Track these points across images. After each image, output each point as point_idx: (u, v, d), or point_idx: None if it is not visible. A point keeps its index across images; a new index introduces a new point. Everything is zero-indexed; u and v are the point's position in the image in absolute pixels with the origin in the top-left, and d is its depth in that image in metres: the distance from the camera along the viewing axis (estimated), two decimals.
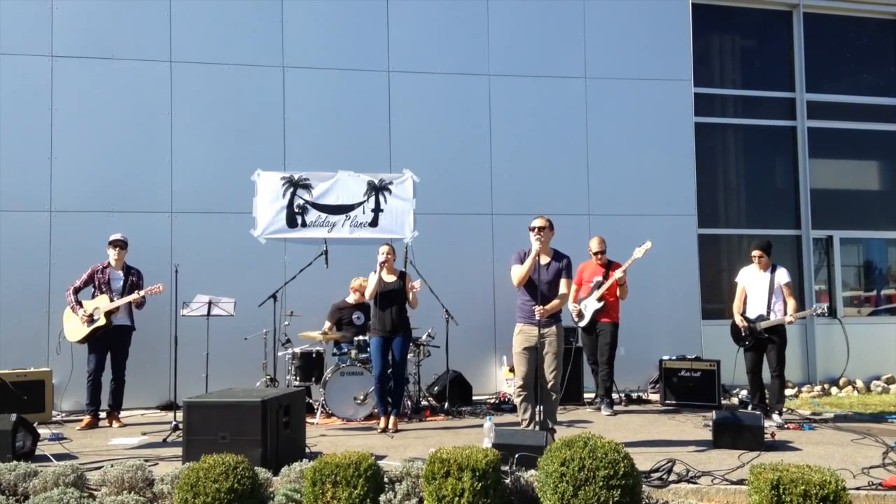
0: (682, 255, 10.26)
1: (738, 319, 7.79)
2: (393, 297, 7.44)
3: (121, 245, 8.00)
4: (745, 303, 7.93)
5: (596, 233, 8.98)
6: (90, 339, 7.81)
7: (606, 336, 8.48)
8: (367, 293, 7.54)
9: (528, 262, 6.22)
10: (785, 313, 7.64)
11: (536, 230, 6.26)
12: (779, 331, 7.67)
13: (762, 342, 7.73)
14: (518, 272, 6.29)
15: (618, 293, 8.47)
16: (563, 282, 6.32)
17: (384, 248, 7.51)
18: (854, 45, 12.01)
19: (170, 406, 8.09)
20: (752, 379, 7.87)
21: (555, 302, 6.24)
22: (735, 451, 6.07)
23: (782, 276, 7.74)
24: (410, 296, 7.52)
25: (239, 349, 8.61)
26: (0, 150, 8.98)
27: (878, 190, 12.11)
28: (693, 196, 10.44)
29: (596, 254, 8.59)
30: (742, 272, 8.09)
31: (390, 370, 7.50)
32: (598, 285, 8.46)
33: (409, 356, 8.41)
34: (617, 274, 8.31)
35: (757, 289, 7.83)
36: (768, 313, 7.68)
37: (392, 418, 7.40)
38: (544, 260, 6.32)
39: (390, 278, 7.51)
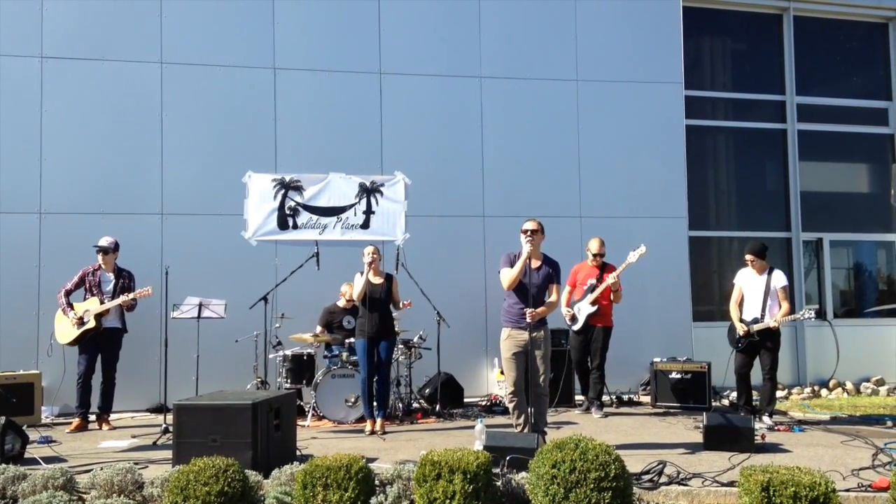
0: (672, 258, 10.28)
1: (740, 327, 7.73)
2: (379, 300, 7.44)
3: (103, 251, 7.94)
4: (742, 305, 7.94)
5: (588, 235, 8.96)
6: (80, 342, 7.78)
7: (599, 340, 8.47)
8: (355, 295, 7.54)
9: (519, 264, 6.18)
10: None
11: (529, 233, 6.22)
12: (772, 334, 7.67)
13: (755, 345, 7.73)
14: (508, 275, 6.25)
15: (612, 297, 8.47)
16: (553, 287, 6.31)
17: (369, 250, 7.51)
18: (844, 48, 12.07)
19: (160, 409, 8.06)
20: (739, 380, 7.87)
21: (544, 307, 6.23)
22: (726, 452, 6.09)
23: (778, 279, 7.74)
24: (393, 293, 7.53)
25: (229, 351, 8.60)
26: None
27: (867, 192, 12.15)
28: (684, 198, 10.47)
29: (595, 255, 8.57)
30: (740, 274, 8.06)
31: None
32: (592, 288, 8.44)
33: (401, 358, 8.42)
34: (609, 279, 8.28)
35: (753, 291, 7.82)
36: (762, 316, 7.68)
37: (379, 420, 7.40)
38: (534, 263, 6.27)
39: (377, 280, 7.51)
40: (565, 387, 8.86)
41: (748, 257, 7.86)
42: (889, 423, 7.90)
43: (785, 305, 7.62)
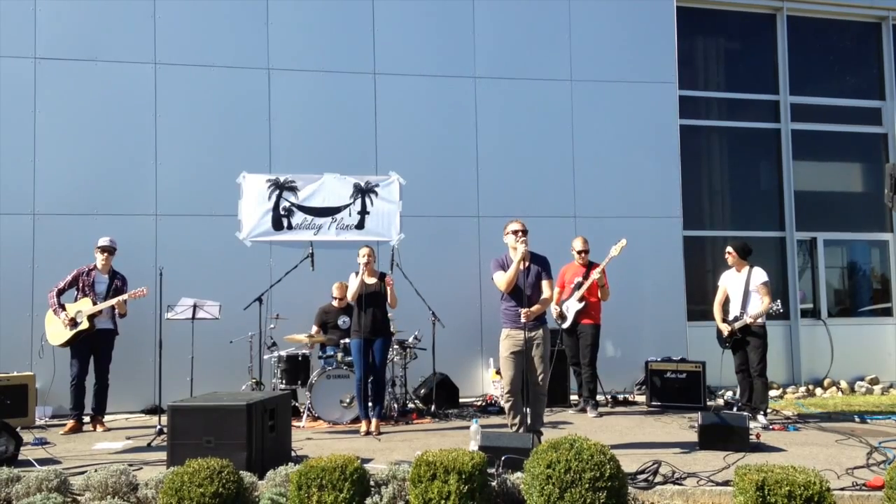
0: (667, 257, 10.30)
1: (723, 327, 7.84)
2: (373, 299, 7.45)
3: (109, 251, 7.95)
4: (726, 304, 8.00)
5: (582, 234, 8.95)
6: (73, 343, 7.76)
7: (587, 338, 8.48)
8: (350, 295, 7.53)
9: (514, 266, 6.17)
10: None
11: (521, 233, 6.23)
12: (754, 331, 7.72)
13: (741, 342, 7.79)
14: (504, 278, 6.23)
15: (599, 294, 8.48)
16: (544, 283, 6.31)
17: (364, 251, 7.50)
18: (837, 47, 12.11)
19: (154, 410, 8.02)
20: (740, 379, 7.94)
21: (539, 305, 6.22)
22: (720, 452, 6.09)
23: (757, 276, 7.80)
24: (389, 294, 7.51)
25: (224, 352, 8.60)
26: None
27: (861, 192, 12.20)
28: (678, 198, 10.48)
29: (580, 252, 8.58)
30: (724, 275, 8.17)
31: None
32: (579, 286, 8.47)
33: (396, 359, 8.42)
34: (595, 274, 8.31)
35: (734, 290, 7.93)
36: (742, 314, 7.75)
37: (374, 420, 7.40)
38: (525, 262, 6.26)
39: (371, 280, 7.52)
40: (560, 387, 8.85)
41: (727, 249, 8.00)
42: (857, 420, 7.99)
43: (766, 301, 7.67)
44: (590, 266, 8.53)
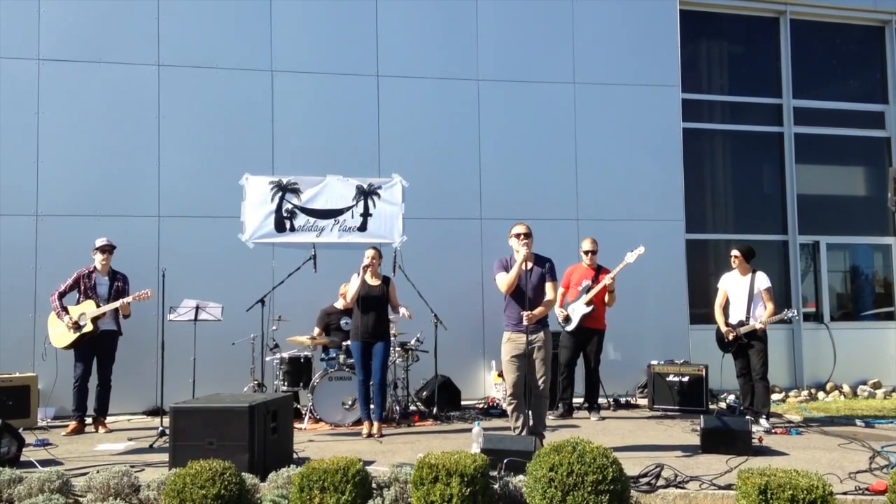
0: (669, 260, 10.28)
1: (727, 331, 7.83)
2: (375, 302, 7.44)
3: (108, 250, 7.95)
4: (727, 308, 7.99)
5: (585, 237, 8.93)
6: (76, 346, 7.75)
7: (594, 343, 8.47)
8: (349, 296, 7.52)
9: (516, 268, 6.17)
10: None
11: (524, 236, 6.23)
12: (759, 335, 7.72)
13: (743, 347, 7.78)
14: (505, 280, 6.24)
15: (606, 299, 8.45)
16: (548, 286, 6.30)
17: (370, 252, 7.49)
18: (840, 51, 12.08)
19: (156, 411, 8.04)
20: (742, 383, 7.94)
21: (542, 308, 6.22)
22: (723, 455, 6.09)
23: (761, 281, 7.80)
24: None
25: (226, 354, 8.58)
26: None
27: (864, 196, 12.17)
28: (681, 201, 10.47)
29: (587, 252, 8.54)
30: (724, 277, 8.15)
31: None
32: (587, 289, 8.43)
33: (398, 360, 8.42)
34: (606, 279, 8.25)
35: (738, 294, 7.92)
36: (748, 318, 7.74)
37: (376, 422, 7.39)
38: (528, 265, 6.27)
39: (374, 282, 7.51)
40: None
41: (734, 254, 7.98)
42: (860, 424, 7.96)
43: (770, 306, 7.69)
44: (598, 269, 8.50)
